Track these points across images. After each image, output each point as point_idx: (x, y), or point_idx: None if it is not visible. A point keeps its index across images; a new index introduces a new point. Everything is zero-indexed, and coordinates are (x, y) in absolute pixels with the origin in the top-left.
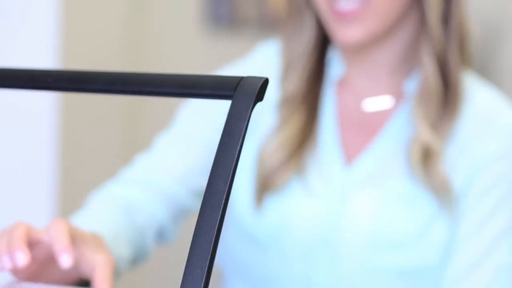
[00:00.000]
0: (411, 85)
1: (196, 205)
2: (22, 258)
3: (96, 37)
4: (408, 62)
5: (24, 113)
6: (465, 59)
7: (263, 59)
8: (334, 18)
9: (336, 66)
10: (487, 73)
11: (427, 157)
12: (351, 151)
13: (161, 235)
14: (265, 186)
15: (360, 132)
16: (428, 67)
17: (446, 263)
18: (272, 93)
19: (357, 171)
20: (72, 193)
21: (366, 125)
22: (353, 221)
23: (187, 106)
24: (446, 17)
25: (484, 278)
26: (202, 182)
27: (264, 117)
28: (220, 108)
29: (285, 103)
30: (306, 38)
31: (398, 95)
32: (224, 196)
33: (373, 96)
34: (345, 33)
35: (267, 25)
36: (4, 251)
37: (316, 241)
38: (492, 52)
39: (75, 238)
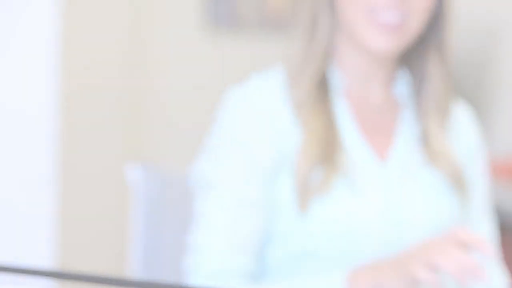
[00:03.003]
0: (402, 89)
1: (260, 270)
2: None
3: (96, 37)
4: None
5: (24, 116)
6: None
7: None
8: (374, 27)
9: (337, 76)
10: (484, 75)
11: (436, 151)
12: (378, 149)
13: None
14: (307, 193)
15: (378, 130)
16: (436, 77)
17: None
18: (283, 94)
19: (393, 165)
20: (72, 194)
21: (380, 124)
22: (410, 213)
23: (220, 161)
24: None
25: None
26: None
27: (280, 116)
28: (264, 152)
29: (297, 109)
30: (319, 48)
31: (392, 98)
32: None
33: (375, 101)
34: (383, 43)
35: (267, 25)
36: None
37: (379, 242)
38: (490, 55)
39: None
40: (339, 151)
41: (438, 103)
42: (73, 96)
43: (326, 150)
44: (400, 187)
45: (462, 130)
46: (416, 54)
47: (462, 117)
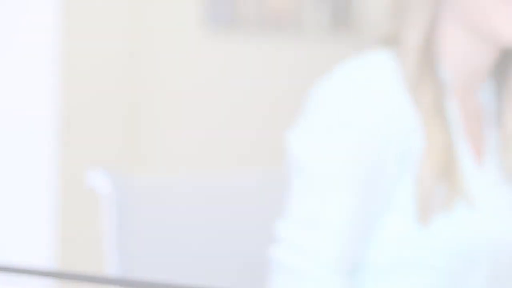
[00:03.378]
0: (485, 94)
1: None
2: None
3: (96, 38)
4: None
5: (25, 117)
6: None
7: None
8: (509, 15)
9: (448, 74)
10: None
11: None
12: (476, 158)
13: None
14: (430, 208)
15: (473, 138)
16: None
17: None
18: (399, 87)
19: (487, 177)
20: (72, 194)
21: (473, 131)
22: (507, 226)
23: (336, 156)
24: None
25: None
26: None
27: (402, 114)
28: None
29: (415, 104)
30: (421, 41)
31: (477, 102)
32: None
33: (472, 104)
34: None
35: (267, 25)
36: None
37: (489, 257)
38: None
39: None
40: (458, 162)
41: None
42: (73, 96)
43: (448, 162)
44: (496, 200)
45: None
46: (506, 60)
47: None
